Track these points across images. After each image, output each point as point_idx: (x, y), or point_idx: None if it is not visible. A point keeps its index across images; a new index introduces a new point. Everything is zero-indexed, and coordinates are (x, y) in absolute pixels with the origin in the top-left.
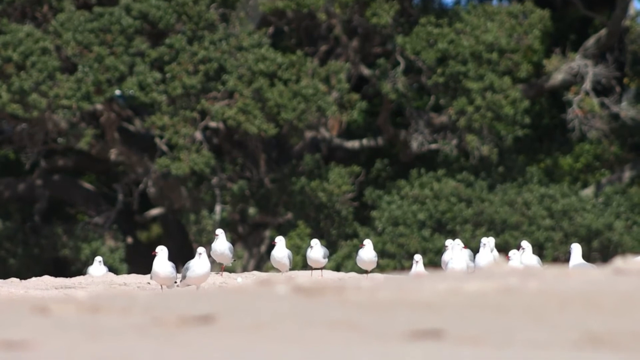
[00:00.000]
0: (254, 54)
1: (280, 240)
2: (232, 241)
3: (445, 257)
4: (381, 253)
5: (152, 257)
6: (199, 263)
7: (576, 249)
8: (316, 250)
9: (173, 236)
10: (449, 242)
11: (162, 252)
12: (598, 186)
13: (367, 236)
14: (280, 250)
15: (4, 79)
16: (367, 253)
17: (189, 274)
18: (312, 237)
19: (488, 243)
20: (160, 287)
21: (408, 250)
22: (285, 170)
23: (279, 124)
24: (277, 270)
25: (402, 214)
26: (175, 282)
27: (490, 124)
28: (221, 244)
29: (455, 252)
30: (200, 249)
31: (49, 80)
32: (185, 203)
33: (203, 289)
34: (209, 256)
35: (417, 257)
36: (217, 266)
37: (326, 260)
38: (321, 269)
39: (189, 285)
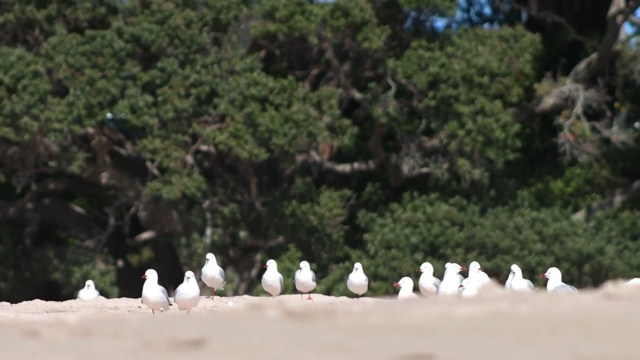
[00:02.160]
0: (245, 78)
1: (271, 264)
2: (223, 265)
3: (424, 281)
4: (374, 276)
5: (143, 280)
6: (188, 287)
7: (554, 273)
8: (305, 273)
9: (164, 260)
10: (424, 266)
11: (151, 276)
12: (589, 210)
13: (359, 259)
14: (272, 274)
15: None
16: (358, 277)
17: (177, 297)
18: (303, 260)
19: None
20: (151, 311)
21: (400, 273)
22: (276, 193)
23: (270, 148)
24: (268, 294)
25: (395, 237)
26: (171, 305)
27: (481, 147)
28: (211, 268)
29: (448, 275)
30: (189, 273)
31: (40, 104)
32: (176, 227)
33: (194, 313)
34: (200, 280)
35: (406, 280)
36: (208, 290)
37: (314, 283)
38: (309, 292)
39: (180, 308)
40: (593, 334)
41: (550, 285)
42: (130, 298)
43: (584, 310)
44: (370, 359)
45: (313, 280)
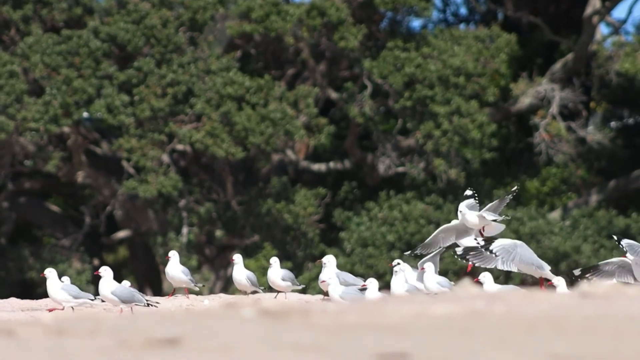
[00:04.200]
0: (222, 78)
1: (237, 259)
2: (199, 263)
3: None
4: (350, 273)
5: (119, 279)
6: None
7: (488, 277)
8: (272, 271)
9: (140, 258)
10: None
11: (105, 272)
12: (565, 209)
13: (336, 257)
14: (239, 272)
15: None
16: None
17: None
18: (279, 258)
19: (400, 268)
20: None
21: (377, 271)
22: (252, 192)
23: (247, 147)
24: (244, 293)
25: (371, 235)
26: (149, 304)
27: (457, 147)
28: (172, 267)
29: (398, 275)
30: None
31: (16, 103)
32: (152, 225)
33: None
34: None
35: (372, 281)
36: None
37: (284, 283)
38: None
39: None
40: (568, 333)
41: (486, 287)
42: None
43: (560, 309)
44: (346, 358)
45: (283, 279)
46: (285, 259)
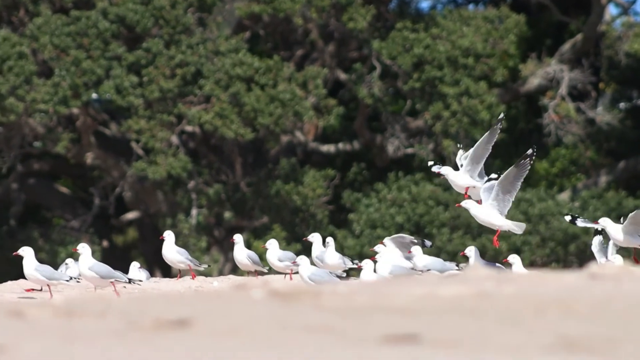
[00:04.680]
0: (231, 59)
1: (237, 239)
2: (209, 245)
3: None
4: (359, 256)
5: (129, 260)
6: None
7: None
8: (270, 252)
9: (149, 240)
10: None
11: (84, 249)
12: (574, 190)
13: (344, 239)
14: (239, 251)
15: None
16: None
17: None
18: (288, 240)
19: (330, 242)
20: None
21: None
22: (261, 174)
23: (256, 128)
24: (253, 274)
25: (380, 216)
26: (135, 282)
27: (466, 128)
28: (167, 248)
29: (381, 258)
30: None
31: (25, 85)
32: (161, 207)
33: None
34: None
35: (367, 262)
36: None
37: (281, 263)
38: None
39: None
40: (577, 314)
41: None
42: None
43: (569, 290)
44: (355, 339)
45: (280, 260)
46: (294, 240)
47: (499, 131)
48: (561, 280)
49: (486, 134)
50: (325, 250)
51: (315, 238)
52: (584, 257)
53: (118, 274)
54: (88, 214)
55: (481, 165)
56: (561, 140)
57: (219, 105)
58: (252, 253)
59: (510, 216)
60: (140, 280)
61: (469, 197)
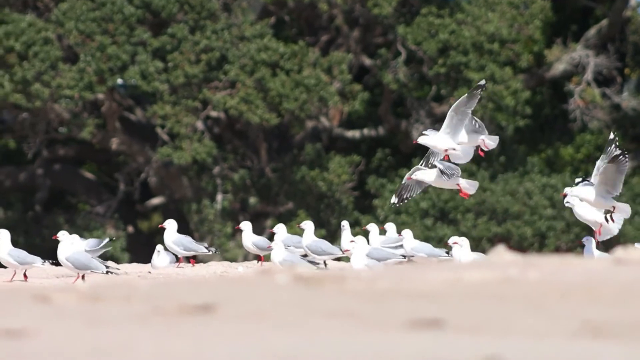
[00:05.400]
0: (256, 44)
1: (244, 226)
2: (234, 230)
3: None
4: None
5: (153, 247)
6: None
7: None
8: (245, 235)
9: None
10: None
11: (64, 237)
12: None
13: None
14: (246, 237)
15: (6, 69)
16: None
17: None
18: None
19: (278, 231)
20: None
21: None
22: (286, 159)
23: (281, 113)
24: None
25: (405, 202)
26: (109, 271)
27: (491, 114)
28: (166, 236)
29: (356, 250)
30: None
31: (51, 70)
32: (186, 192)
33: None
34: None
35: (354, 247)
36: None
37: (257, 247)
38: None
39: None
40: (602, 299)
41: (455, 254)
42: (140, 263)
43: (594, 275)
44: (379, 324)
45: (255, 245)
46: (319, 226)
47: (479, 96)
48: (586, 265)
49: (463, 96)
50: (317, 240)
51: (307, 225)
52: (609, 243)
53: (95, 263)
54: (113, 199)
55: (461, 128)
56: (586, 125)
57: (244, 90)
58: (258, 239)
59: (535, 202)
60: (118, 269)
61: (449, 160)
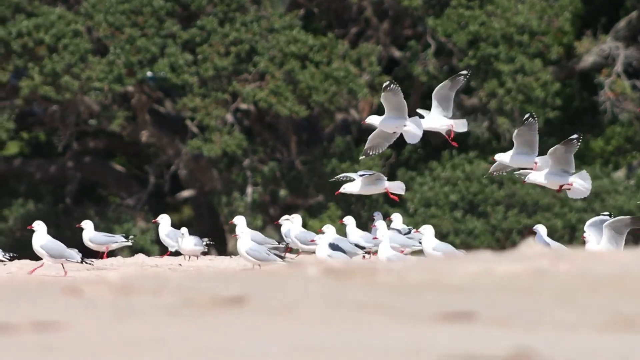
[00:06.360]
0: (285, 36)
1: (238, 221)
2: (264, 223)
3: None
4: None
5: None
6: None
7: (429, 230)
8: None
9: (204, 218)
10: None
11: (39, 226)
12: (630, 168)
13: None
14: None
15: (36, 61)
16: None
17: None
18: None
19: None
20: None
21: (440, 231)
22: (316, 152)
23: (310, 106)
24: (306, 253)
25: (434, 195)
26: (91, 262)
27: (521, 106)
28: (160, 230)
29: (322, 240)
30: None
31: (80, 63)
32: (216, 185)
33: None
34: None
35: (322, 236)
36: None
37: (199, 247)
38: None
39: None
40: (634, 292)
41: (427, 243)
42: (170, 256)
43: (625, 268)
44: (409, 317)
45: (195, 244)
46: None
47: (463, 81)
48: (617, 258)
49: (446, 80)
50: (306, 231)
51: (294, 219)
52: None
53: (70, 252)
54: (143, 192)
55: (449, 111)
56: (616, 118)
57: (273, 82)
58: (253, 246)
59: (565, 193)
60: (92, 261)
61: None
